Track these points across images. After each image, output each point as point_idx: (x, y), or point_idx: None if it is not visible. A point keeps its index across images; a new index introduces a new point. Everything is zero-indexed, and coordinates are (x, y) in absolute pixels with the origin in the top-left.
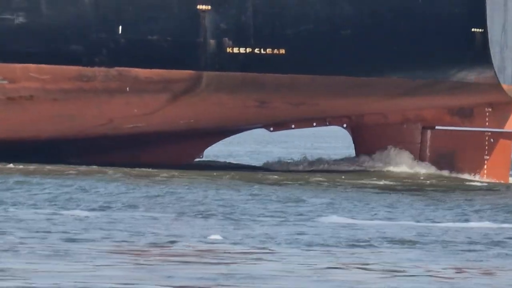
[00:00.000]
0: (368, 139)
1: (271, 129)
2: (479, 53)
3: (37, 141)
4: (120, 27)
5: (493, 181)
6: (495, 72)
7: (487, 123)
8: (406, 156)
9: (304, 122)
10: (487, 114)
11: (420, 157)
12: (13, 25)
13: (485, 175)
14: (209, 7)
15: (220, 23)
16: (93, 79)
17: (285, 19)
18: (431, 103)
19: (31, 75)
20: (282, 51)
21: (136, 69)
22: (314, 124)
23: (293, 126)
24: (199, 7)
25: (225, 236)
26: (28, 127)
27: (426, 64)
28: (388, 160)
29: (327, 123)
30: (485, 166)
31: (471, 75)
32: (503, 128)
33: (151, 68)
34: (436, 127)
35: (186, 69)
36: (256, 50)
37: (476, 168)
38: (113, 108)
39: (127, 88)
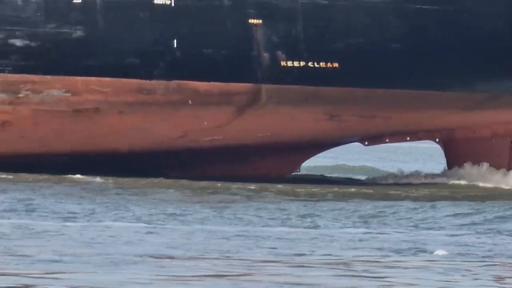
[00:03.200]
0: (458, 154)
1: (366, 143)
2: None
3: (118, 154)
4: (175, 41)
5: None
6: None
7: None
8: (492, 171)
9: (398, 136)
10: None
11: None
12: (71, 39)
13: None
14: (260, 21)
15: (272, 36)
16: (153, 92)
17: (335, 32)
18: (502, 118)
19: (93, 87)
20: (336, 64)
21: (195, 82)
22: (408, 138)
23: (387, 140)
24: (251, 21)
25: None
26: (103, 139)
27: (482, 77)
28: (476, 175)
29: (420, 138)
30: None
31: None
32: None
33: (209, 81)
34: None
35: (244, 82)
36: (310, 64)
37: None
38: (182, 121)
39: (189, 101)
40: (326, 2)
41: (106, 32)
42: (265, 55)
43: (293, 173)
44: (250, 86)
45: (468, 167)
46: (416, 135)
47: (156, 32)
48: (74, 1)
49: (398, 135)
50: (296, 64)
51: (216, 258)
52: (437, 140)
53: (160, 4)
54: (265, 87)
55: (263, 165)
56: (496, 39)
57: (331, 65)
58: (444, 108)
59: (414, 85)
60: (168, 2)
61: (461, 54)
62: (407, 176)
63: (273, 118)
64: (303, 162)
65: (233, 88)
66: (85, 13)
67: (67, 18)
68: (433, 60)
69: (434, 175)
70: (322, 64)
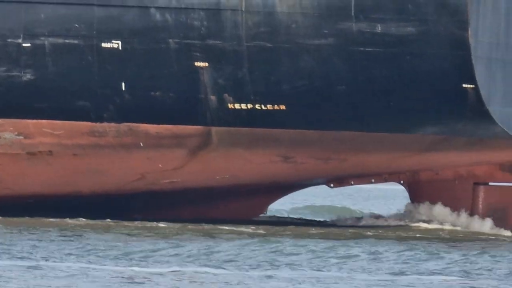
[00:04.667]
0: (422, 195)
1: (332, 185)
2: (476, 108)
3: (81, 197)
4: (123, 84)
5: None
6: (501, 127)
7: None
8: (447, 212)
9: (363, 178)
10: None
11: (472, 213)
12: (21, 82)
13: None
14: (207, 64)
15: (218, 79)
16: (105, 135)
17: (280, 75)
18: (456, 160)
19: (45, 130)
20: (283, 107)
21: (145, 125)
22: (373, 180)
23: (352, 182)
24: (197, 64)
25: None
26: (61, 181)
27: (431, 120)
28: (431, 216)
29: (385, 180)
30: None
31: (480, 131)
32: None
33: (159, 123)
34: (490, 183)
35: (194, 125)
36: (257, 106)
37: None
38: (137, 163)
39: (141, 143)
40: (271, 45)
41: (55, 75)
42: (213, 97)
43: (260, 215)
44: (200, 129)
45: (427, 209)
46: (380, 177)
47: (104, 75)
48: (23, 44)
49: (363, 177)
50: (243, 106)
51: None
52: (401, 182)
53: (107, 48)
54: (214, 129)
55: (230, 207)
56: (441, 81)
57: (278, 107)
58: (397, 151)
59: (364, 128)
60: (116, 46)
61: (407, 97)
62: (371, 217)
63: (227, 161)
64: (269, 204)
65: (184, 131)
66: (35, 56)
67: (17, 62)
68: (379, 103)
69: (397, 217)
70: (269, 107)
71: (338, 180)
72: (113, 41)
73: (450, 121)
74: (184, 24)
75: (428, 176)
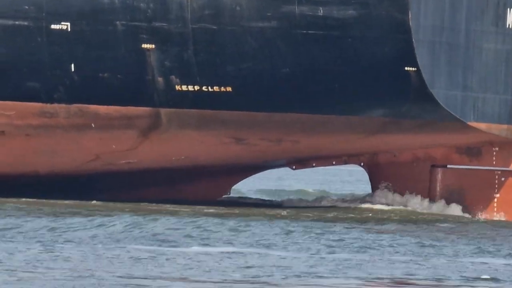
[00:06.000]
0: (381, 178)
1: (294, 167)
2: (419, 91)
3: (37, 176)
4: (73, 65)
5: (503, 219)
6: (447, 110)
7: (494, 162)
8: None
9: (323, 160)
10: (494, 153)
11: (429, 195)
12: None
13: (495, 213)
14: (153, 45)
15: (165, 61)
16: (56, 116)
17: (226, 57)
18: (406, 143)
19: None
20: (229, 88)
21: (95, 106)
22: (334, 162)
23: (314, 164)
24: (144, 46)
25: None
26: (15, 161)
27: (375, 103)
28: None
29: (345, 162)
30: (495, 205)
31: (425, 114)
32: (508, 167)
33: (108, 104)
34: (448, 166)
35: (142, 106)
36: (204, 88)
37: (486, 206)
38: (90, 144)
39: (92, 124)
40: (215, 27)
41: (5, 56)
42: (160, 79)
43: (223, 196)
44: (149, 110)
45: (384, 191)
46: (340, 159)
47: (53, 57)
48: None
49: (323, 159)
50: (190, 88)
51: None
52: (362, 164)
53: (57, 29)
54: (163, 111)
55: (194, 188)
56: (384, 64)
57: (224, 89)
58: (346, 133)
59: (311, 110)
60: (65, 27)
61: (351, 80)
62: (331, 199)
63: (180, 142)
64: (232, 185)
65: (133, 112)
66: None
67: None
68: (324, 85)
69: (356, 199)
70: (216, 88)
71: (299, 162)
72: (62, 23)
73: (394, 103)
74: (131, 7)
75: (387, 158)
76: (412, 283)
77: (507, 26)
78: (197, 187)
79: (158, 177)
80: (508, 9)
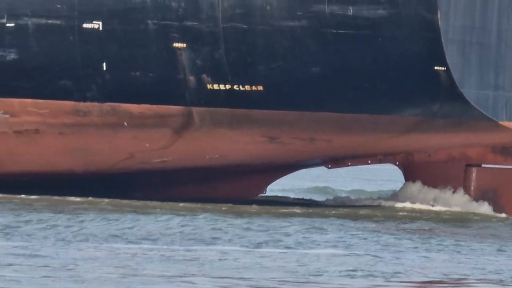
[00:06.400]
0: (416, 177)
1: (329, 166)
2: (449, 91)
3: (74, 175)
4: (104, 64)
5: None
6: (478, 109)
7: None
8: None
9: (359, 159)
10: None
11: (464, 194)
12: (5, 61)
13: None
14: (185, 44)
15: (196, 60)
16: (89, 114)
17: (256, 56)
18: (440, 142)
19: (30, 109)
20: (260, 87)
21: (127, 105)
22: (369, 161)
23: (349, 163)
24: (175, 44)
25: None
26: (51, 159)
27: (407, 102)
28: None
29: (380, 161)
30: None
31: (456, 113)
32: None
33: (140, 103)
34: (482, 165)
35: (175, 105)
36: (235, 87)
37: None
38: (123, 142)
39: (125, 123)
40: (246, 27)
41: (38, 54)
42: (191, 78)
43: (259, 195)
44: (181, 109)
45: (417, 190)
46: (376, 158)
47: (85, 55)
48: (7, 24)
49: (359, 159)
50: (222, 87)
51: None
52: (397, 163)
53: (89, 28)
54: (195, 109)
55: (229, 187)
56: (414, 63)
57: (255, 88)
58: (379, 132)
59: (341, 109)
60: (96, 26)
61: (381, 79)
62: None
63: (213, 140)
64: (268, 184)
65: (165, 111)
66: (18, 36)
67: (1, 41)
68: (354, 84)
69: (389, 198)
70: (247, 87)
71: (334, 160)
72: (94, 22)
73: (425, 103)
74: (162, 6)
75: (422, 158)
76: None
77: None
78: (233, 186)
79: (194, 176)
80: None
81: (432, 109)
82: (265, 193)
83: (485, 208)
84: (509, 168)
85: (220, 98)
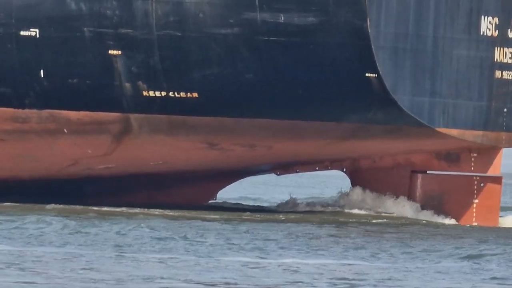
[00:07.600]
0: (362, 183)
1: (278, 173)
2: (382, 97)
3: (20, 181)
4: (42, 71)
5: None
6: (412, 116)
7: (472, 168)
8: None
9: (306, 166)
10: (473, 159)
11: (409, 200)
12: None
13: (473, 219)
14: (120, 52)
15: (132, 67)
16: (28, 121)
17: (191, 63)
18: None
19: None
20: (195, 94)
21: (66, 111)
22: (317, 168)
23: (297, 170)
24: (111, 52)
25: None
26: None
27: (343, 109)
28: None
29: (328, 167)
30: (474, 210)
31: (391, 120)
32: (486, 172)
33: (78, 110)
34: (428, 172)
35: (113, 111)
36: (171, 94)
37: (464, 212)
38: (65, 149)
39: (65, 130)
40: (180, 34)
41: None
42: (127, 85)
43: (209, 201)
44: (119, 115)
45: (359, 195)
46: (323, 164)
47: (23, 63)
48: None
49: (307, 165)
50: (158, 94)
51: None
52: (344, 169)
53: (26, 36)
54: (133, 116)
55: (180, 193)
56: (345, 70)
57: (191, 95)
58: (317, 139)
59: (278, 115)
60: (34, 34)
61: (314, 86)
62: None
63: (154, 147)
64: (218, 190)
65: (104, 117)
66: None
67: None
68: (288, 91)
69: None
70: (183, 94)
71: (282, 167)
72: (31, 29)
73: (360, 109)
74: (98, 13)
75: (368, 164)
76: None
77: (481, 33)
78: (184, 192)
79: (146, 182)
80: (482, 17)
81: (368, 115)
82: (215, 200)
83: (430, 214)
84: (453, 175)
85: (156, 105)
